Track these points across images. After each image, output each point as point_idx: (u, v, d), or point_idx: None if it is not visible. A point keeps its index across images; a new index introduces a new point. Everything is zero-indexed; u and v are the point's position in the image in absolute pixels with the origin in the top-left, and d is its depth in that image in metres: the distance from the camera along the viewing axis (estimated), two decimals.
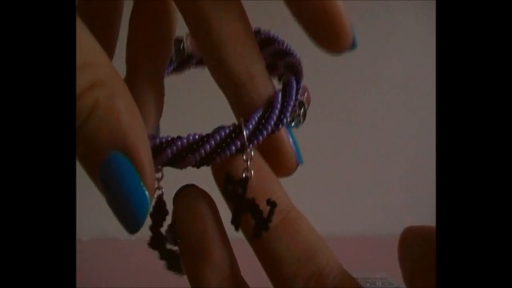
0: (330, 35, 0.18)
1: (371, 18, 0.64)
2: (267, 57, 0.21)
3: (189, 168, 0.18)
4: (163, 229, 0.19)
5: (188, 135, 0.18)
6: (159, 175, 0.18)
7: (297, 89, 0.19)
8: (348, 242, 0.59)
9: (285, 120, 0.19)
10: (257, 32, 0.21)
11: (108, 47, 0.21)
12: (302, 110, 0.20)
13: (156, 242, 0.19)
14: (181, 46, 0.23)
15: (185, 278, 0.19)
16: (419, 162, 0.65)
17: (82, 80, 0.15)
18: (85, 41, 0.15)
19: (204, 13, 0.18)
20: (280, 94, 0.19)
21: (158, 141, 0.18)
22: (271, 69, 0.21)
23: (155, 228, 0.19)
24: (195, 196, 0.19)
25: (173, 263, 0.19)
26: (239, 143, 0.18)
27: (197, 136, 0.18)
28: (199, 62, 0.24)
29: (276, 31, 0.22)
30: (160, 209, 0.19)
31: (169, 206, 0.19)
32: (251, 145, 0.18)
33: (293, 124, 0.20)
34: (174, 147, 0.18)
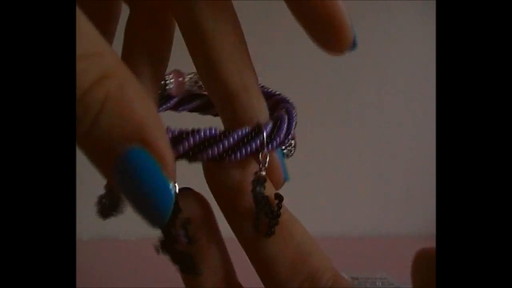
0: (330, 35, 0.18)
1: (371, 18, 0.64)
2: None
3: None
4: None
5: (205, 129, 0.17)
6: None
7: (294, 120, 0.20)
8: (348, 242, 0.59)
9: (290, 136, 0.19)
10: None
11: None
12: (293, 142, 0.20)
13: (169, 243, 0.17)
14: (164, 86, 0.23)
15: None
16: (419, 162, 0.65)
17: (89, 72, 0.14)
18: (87, 30, 0.14)
19: (200, 24, 0.18)
20: (284, 114, 0.19)
21: (176, 133, 0.17)
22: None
23: (167, 227, 0.17)
24: (189, 200, 0.18)
25: (188, 264, 0.18)
26: (259, 142, 0.18)
27: (217, 131, 0.18)
28: (179, 103, 0.24)
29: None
30: (173, 206, 0.17)
31: None
32: (269, 147, 0.18)
33: (285, 151, 0.20)
34: (192, 140, 0.17)
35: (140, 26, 0.20)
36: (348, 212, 0.66)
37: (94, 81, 0.14)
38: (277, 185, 0.20)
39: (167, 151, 0.15)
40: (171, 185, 0.15)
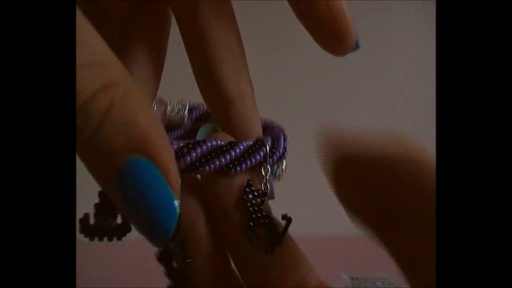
0: (334, 37, 0.18)
1: (371, 18, 0.64)
2: None
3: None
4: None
5: (207, 141, 0.17)
6: None
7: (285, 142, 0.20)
8: (348, 242, 0.59)
9: (285, 154, 0.19)
10: None
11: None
12: (284, 164, 0.21)
13: (166, 256, 0.17)
14: None
15: None
16: None
17: (93, 80, 0.14)
18: (91, 39, 0.14)
19: (202, 30, 0.18)
20: (280, 134, 0.19)
21: (181, 144, 0.17)
22: None
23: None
24: (184, 192, 0.18)
25: (180, 284, 0.18)
26: (262, 154, 0.18)
27: (221, 143, 0.18)
28: None
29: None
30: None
31: None
32: (270, 160, 0.18)
33: (276, 173, 0.21)
34: (194, 152, 0.17)
35: (138, 21, 0.20)
36: None
37: (97, 89, 0.14)
38: None
39: (172, 164, 0.14)
40: (176, 202, 0.14)
